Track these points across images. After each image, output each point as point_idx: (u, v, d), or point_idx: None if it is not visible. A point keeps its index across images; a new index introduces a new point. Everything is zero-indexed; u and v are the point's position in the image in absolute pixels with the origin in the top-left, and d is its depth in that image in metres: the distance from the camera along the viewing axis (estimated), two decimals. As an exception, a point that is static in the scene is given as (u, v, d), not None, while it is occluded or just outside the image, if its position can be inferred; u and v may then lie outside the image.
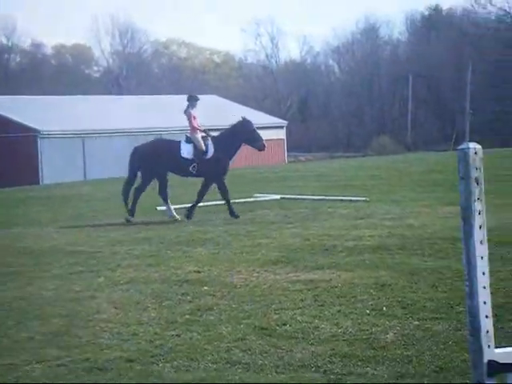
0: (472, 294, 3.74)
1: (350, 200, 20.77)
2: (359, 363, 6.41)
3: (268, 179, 32.00)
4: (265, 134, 61.10)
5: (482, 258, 3.76)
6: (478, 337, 3.63)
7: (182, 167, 17.74)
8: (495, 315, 7.50)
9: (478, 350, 3.61)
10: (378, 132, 75.76)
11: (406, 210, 17.83)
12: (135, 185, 18.08)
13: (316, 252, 12.35)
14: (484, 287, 3.75)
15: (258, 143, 18.05)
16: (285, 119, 64.58)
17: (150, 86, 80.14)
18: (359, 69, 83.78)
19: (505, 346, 4.60)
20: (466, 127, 70.19)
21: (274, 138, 57.97)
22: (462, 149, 3.86)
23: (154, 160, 17.78)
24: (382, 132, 75.48)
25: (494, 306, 7.78)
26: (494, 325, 6.98)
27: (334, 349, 6.87)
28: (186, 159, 17.62)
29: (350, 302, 8.68)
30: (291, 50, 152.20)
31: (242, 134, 17.78)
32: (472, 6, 78.07)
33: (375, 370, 6.22)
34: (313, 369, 6.34)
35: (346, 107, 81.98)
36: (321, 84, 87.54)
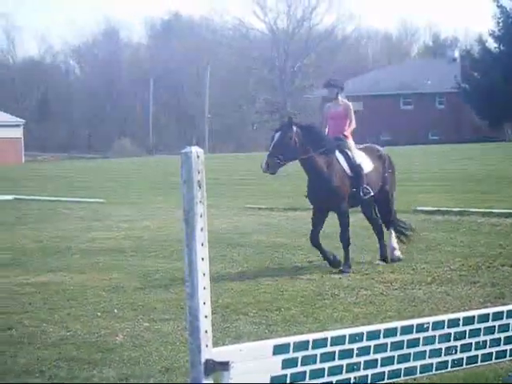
0: (192, 295, 3.79)
1: (87, 202, 20.55)
2: (86, 367, 6.33)
3: (1, 179, 30.86)
4: (0, 133, 58.25)
5: (202, 259, 3.84)
6: (197, 336, 3.69)
7: None
8: (222, 315, 7.76)
9: (197, 350, 3.67)
10: (119, 134, 75.59)
11: (143, 212, 17.96)
12: None
13: (49, 254, 12.09)
14: (204, 288, 3.82)
15: None
16: (22, 118, 62.57)
17: None
18: (100, 70, 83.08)
19: (226, 345, 4.75)
20: (205, 131, 71.92)
21: (11, 136, 56.05)
22: (185, 152, 3.91)
23: None
24: (124, 134, 75.40)
25: (221, 307, 8.08)
26: (219, 324, 7.21)
27: (60, 353, 6.73)
28: None
29: (81, 305, 8.57)
30: (29, 47, 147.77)
31: None
32: (210, 13, 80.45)
33: (101, 372, 6.17)
34: (37, 374, 6.18)
35: (87, 108, 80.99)
36: (61, 83, 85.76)
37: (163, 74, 77.55)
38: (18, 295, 9.12)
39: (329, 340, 3.86)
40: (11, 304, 8.65)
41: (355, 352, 3.88)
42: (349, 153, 10.63)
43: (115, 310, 8.27)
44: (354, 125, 10.94)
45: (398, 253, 10.85)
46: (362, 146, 11.17)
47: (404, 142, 56.23)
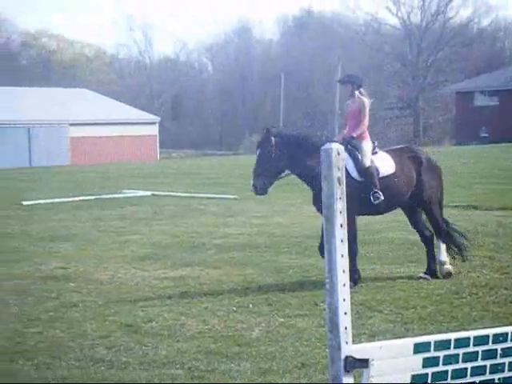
0: (332, 291, 3.79)
1: (221, 198, 20.88)
2: (224, 360, 6.45)
3: (139, 175, 31.72)
4: (137, 130, 59.86)
5: (342, 256, 3.83)
6: (337, 333, 3.69)
7: None
8: (357, 312, 7.73)
9: (336, 346, 3.67)
10: (250, 130, 76.34)
11: (275, 208, 18.07)
12: None
13: (185, 249, 12.35)
14: (344, 285, 3.81)
15: None
16: (158, 116, 64.11)
17: (15, 78, 77.61)
18: (232, 67, 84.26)
19: (364, 342, 4.73)
20: (335, 127, 71.71)
21: (147, 134, 57.52)
22: (325, 149, 3.91)
23: None
24: (254, 131, 76.08)
25: (356, 304, 8.04)
26: (354, 321, 7.19)
27: (199, 346, 6.88)
28: None
29: (217, 299, 8.72)
30: (165, 47, 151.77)
31: None
32: (342, 9, 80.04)
33: (239, 366, 6.27)
34: (177, 366, 6.34)
35: (219, 105, 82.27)
36: (194, 81, 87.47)
37: (294, 70, 77.83)
38: (157, 289, 9.37)
39: (471, 339, 3.79)
40: (151, 297, 8.90)
41: (499, 353, 3.79)
42: (358, 156, 9.67)
43: (250, 305, 8.38)
44: (366, 123, 9.79)
45: (448, 267, 9.77)
46: (393, 148, 10.30)
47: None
